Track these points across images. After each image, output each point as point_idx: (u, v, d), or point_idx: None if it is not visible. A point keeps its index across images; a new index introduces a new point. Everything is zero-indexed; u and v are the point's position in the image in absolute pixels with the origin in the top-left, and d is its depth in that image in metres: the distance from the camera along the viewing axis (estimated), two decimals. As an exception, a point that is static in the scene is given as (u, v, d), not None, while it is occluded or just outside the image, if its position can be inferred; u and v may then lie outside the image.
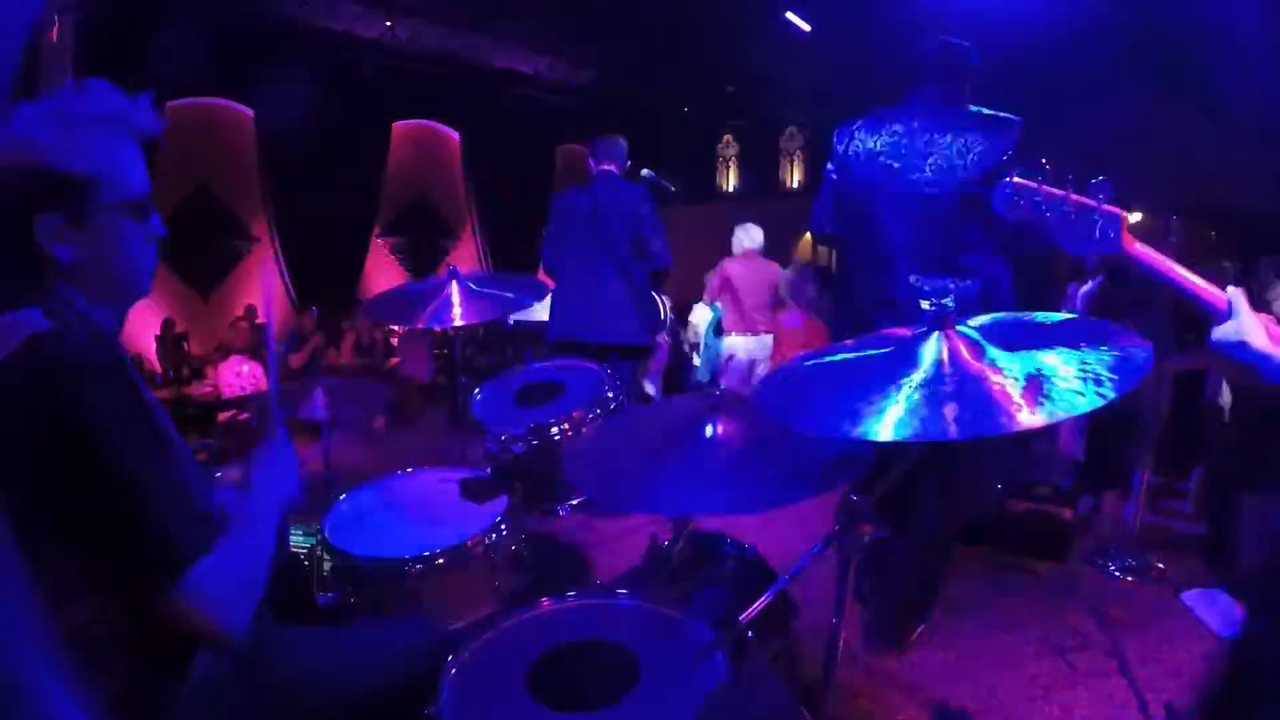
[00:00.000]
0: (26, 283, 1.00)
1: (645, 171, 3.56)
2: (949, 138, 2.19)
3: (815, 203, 2.54)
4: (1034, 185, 1.22)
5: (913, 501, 2.38)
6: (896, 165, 2.25)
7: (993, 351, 1.00)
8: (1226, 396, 3.38)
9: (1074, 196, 1.19)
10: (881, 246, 2.29)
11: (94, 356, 0.96)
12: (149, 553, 0.93)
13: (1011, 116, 2.18)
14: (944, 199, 2.16)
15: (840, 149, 2.40)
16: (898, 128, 2.28)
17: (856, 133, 2.37)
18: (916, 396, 0.95)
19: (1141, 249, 1.17)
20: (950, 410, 0.91)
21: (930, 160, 2.20)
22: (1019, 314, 1.17)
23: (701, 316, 5.93)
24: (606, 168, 3.50)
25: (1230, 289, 1.11)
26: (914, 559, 2.40)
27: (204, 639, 0.98)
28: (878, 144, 2.30)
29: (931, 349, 1.02)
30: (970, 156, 2.15)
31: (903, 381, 0.99)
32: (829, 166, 2.46)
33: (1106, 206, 1.17)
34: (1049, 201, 1.21)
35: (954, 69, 2.29)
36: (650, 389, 5.48)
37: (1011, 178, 1.25)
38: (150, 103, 1.09)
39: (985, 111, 2.23)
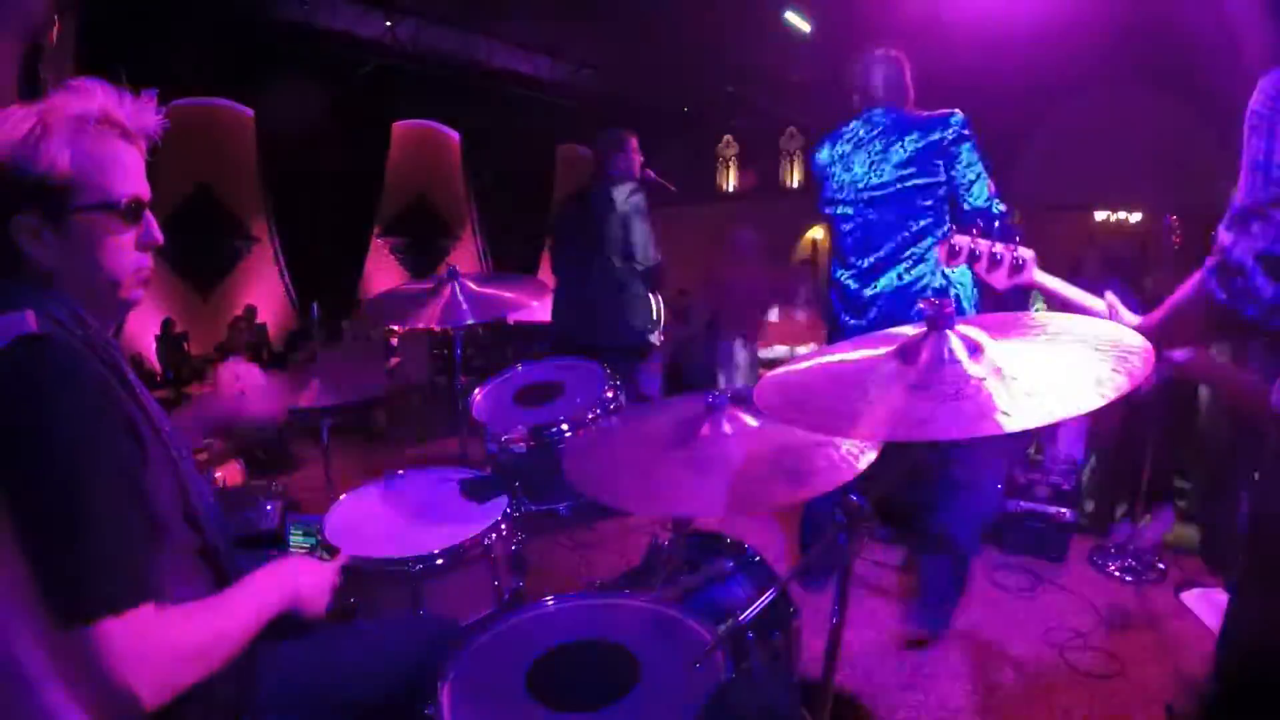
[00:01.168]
0: (20, 285, 0.98)
1: (646, 171, 3.55)
2: (888, 140, 2.42)
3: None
4: (969, 239, 1.68)
5: (931, 495, 2.50)
6: (844, 173, 2.50)
7: (992, 351, 1.00)
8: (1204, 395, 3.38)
9: (997, 244, 1.63)
10: (840, 249, 2.56)
11: (73, 366, 0.93)
12: (71, 583, 0.86)
13: (949, 111, 2.38)
14: (884, 197, 2.41)
15: (813, 167, 2.68)
16: (848, 139, 2.53)
17: (821, 149, 2.62)
18: (915, 396, 0.95)
19: (1044, 279, 1.57)
20: (948, 410, 0.91)
21: (871, 163, 2.44)
22: (1019, 313, 1.18)
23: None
24: (604, 166, 3.49)
25: (1107, 294, 1.40)
26: (946, 544, 2.48)
27: (97, 696, 0.86)
28: (832, 156, 2.56)
29: (931, 348, 1.02)
30: (905, 154, 2.38)
31: (901, 381, 0.98)
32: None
33: (1021, 250, 1.59)
34: (978, 249, 1.66)
35: (893, 78, 2.50)
36: (649, 389, 5.49)
37: (952, 234, 1.70)
38: (150, 102, 1.06)
39: (923, 113, 2.44)
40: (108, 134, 1.01)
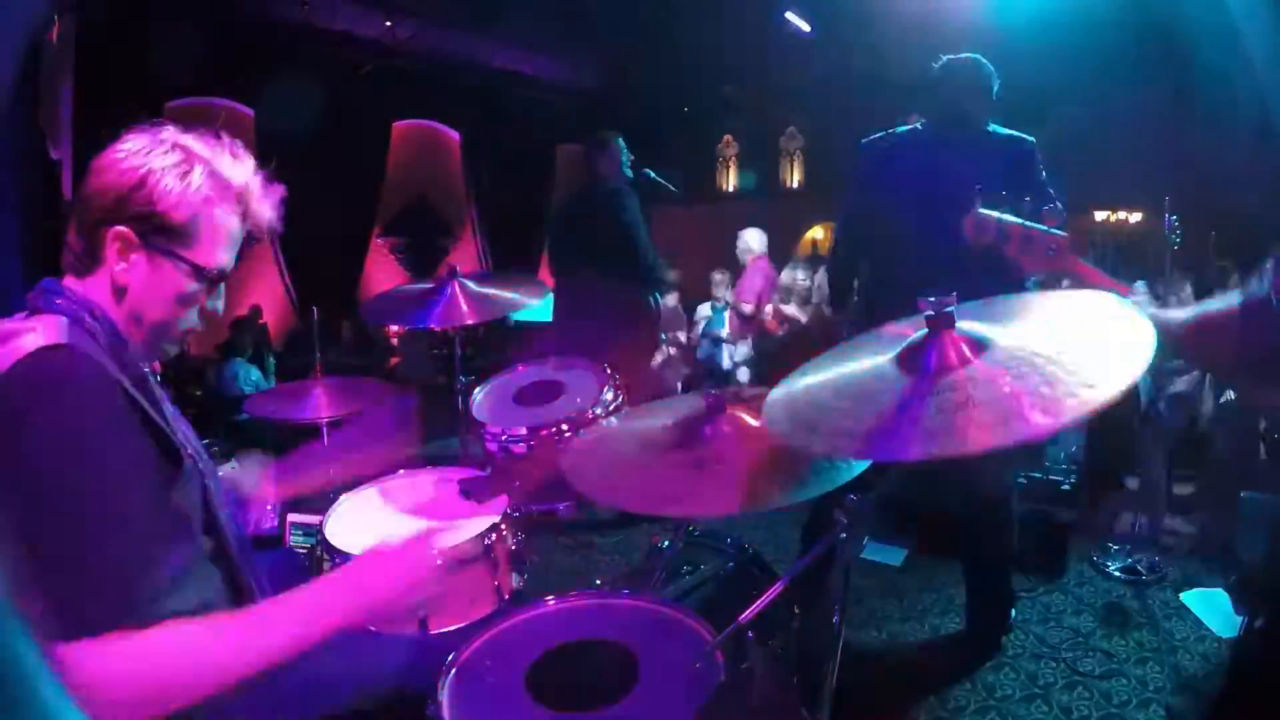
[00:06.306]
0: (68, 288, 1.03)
1: (645, 172, 3.56)
2: (965, 157, 2.25)
3: (837, 227, 2.70)
4: (995, 215, 1.50)
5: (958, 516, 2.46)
6: (915, 186, 2.31)
7: (995, 349, 0.98)
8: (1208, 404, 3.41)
9: (1028, 225, 1.46)
10: (899, 265, 2.36)
11: (83, 375, 0.93)
12: (63, 599, 0.83)
13: (1026, 137, 2.25)
14: (955, 216, 2.20)
15: (864, 169, 2.49)
16: (918, 148, 2.37)
17: (881, 152, 2.44)
18: (919, 403, 0.94)
19: (1076, 263, 1.45)
20: (954, 417, 0.90)
21: (946, 179, 2.22)
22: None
23: (703, 315, 5.95)
24: (598, 169, 3.50)
25: (1136, 285, 1.29)
26: (982, 565, 2.46)
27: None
28: (899, 164, 2.38)
29: (933, 352, 1.00)
30: (983, 174, 2.14)
31: (906, 388, 0.97)
32: (851, 188, 2.56)
33: (1053, 232, 1.44)
34: (1007, 229, 1.48)
35: (964, 87, 2.34)
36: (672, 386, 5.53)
37: (977, 208, 1.51)
38: (277, 197, 1.17)
39: (1002, 131, 2.29)
40: (233, 211, 1.09)
